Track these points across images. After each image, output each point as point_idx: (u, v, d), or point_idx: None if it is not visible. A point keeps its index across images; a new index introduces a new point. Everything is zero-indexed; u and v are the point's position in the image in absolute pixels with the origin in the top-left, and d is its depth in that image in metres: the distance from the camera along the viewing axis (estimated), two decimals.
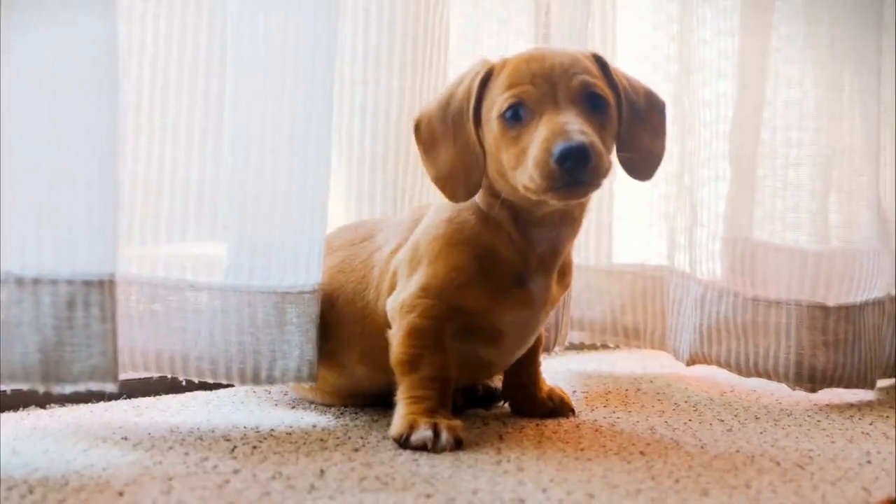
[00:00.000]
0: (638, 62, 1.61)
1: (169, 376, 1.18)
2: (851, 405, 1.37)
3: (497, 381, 1.31)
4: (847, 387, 1.41)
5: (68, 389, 0.99)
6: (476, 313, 1.12)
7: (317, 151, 1.16)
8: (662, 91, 1.55)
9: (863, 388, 1.43)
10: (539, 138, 1.02)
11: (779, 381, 1.41)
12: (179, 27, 1.17)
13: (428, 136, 1.13)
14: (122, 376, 1.26)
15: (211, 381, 1.17)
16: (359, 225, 1.30)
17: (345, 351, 1.19)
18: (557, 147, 0.99)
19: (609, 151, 1.07)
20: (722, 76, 1.47)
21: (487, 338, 1.14)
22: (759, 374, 1.42)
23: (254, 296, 1.15)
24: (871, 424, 1.25)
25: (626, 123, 1.11)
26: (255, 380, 1.16)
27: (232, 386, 1.30)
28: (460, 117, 1.10)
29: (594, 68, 1.09)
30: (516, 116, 1.05)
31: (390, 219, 1.27)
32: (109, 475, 0.93)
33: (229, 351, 1.15)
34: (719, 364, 1.45)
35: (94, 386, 0.99)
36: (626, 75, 1.15)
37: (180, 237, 1.18)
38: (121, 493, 0.88)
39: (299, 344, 1.16)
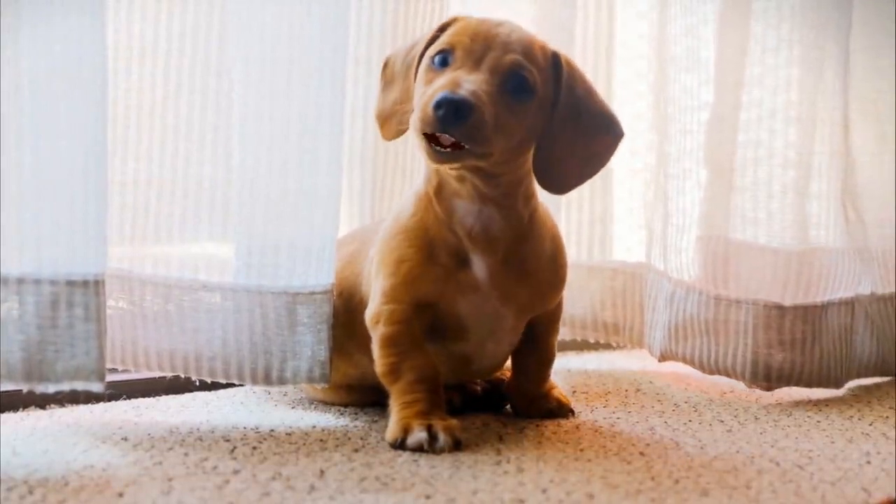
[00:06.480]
0: (634, 60, 1.61)
1: (174, 375, 1.18)
2: (851, 406, 1.37)
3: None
4: (807, 386, 1.42)
5: (52, 389, 0.99)
6: (433, 303, 1.11)
7: (329, 149, 1.16)
8: (651, 90, 1.57)
9: (826, 387, 1.43)
10: (435, 85, 1.03)
11: (736, 378, 1.42)
12: (192, 25, 1.17)
13: (389, 73, 1.16)
14: (125, 376, 1.27)
15: (224, 381, 1.18)
16: (378, 221, 1.30)
17: (348, 339, 1.19)
18: (439, 94, 1.00)
19: (510, 137, 1.05)
20: (701, 81, 1.47)
21: (453, 330, 1.14)
22: (719, 372, 1.43)
23: (265, 296, 1.16)
24: (870, 425, 1.25)
25: (556, 126, 1.09)
26: (267, 380, 1.17)
27: (233, 386, 1.30)
28: (413, 60, 1.12)
29: (541, 59, 1.09)
30: (443, 62, 1.06)
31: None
32: (109, 475, 0.93)
33: (241, 351, 1.16)
34: (685, 361, 1.46)
35: (80, 385, 0.99)
36: (589, 88, 1.13)
37: (193, 236, 1.19)
38: (121, 494, 0.88)
39: (310, 345, 1.16)
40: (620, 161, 1.62)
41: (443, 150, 1.02)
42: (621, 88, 1.61)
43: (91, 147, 1.00)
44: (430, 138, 1.02)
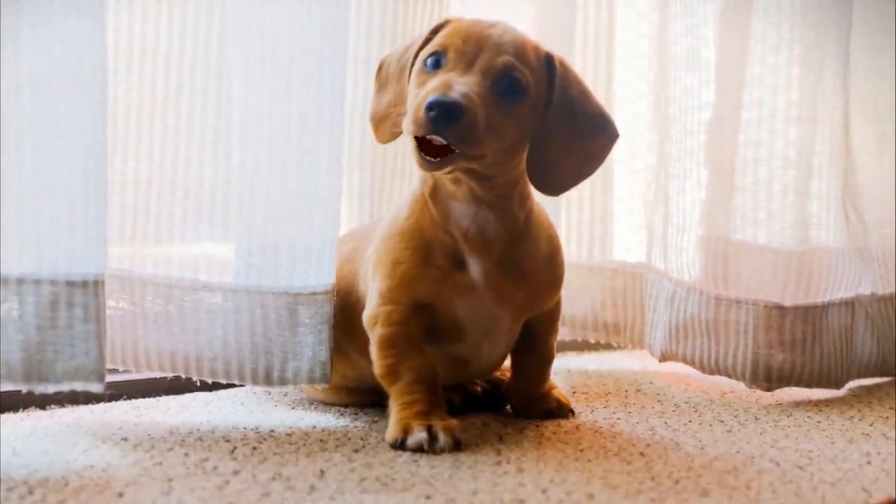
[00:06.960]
0: (634, 60, 1.61)
1: (174, 376, 1.18)
2: (851, 406, 1.37)
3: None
4: (808, 386, 1.42)
5: (51, 389, 0.99)
6: (430, 304, 1.12)
7: (329, 150, 1.16)
8: (652, 90, 1.57)
9: (826, 387, 1.44)
10: (427, 87, 1.03)
11: (737, 379, 1.43)
12: (192, 25, 1.17)
13: (384, 76, 1.16)
14: (125, 376, 1.27)
15: (224, 381, 1.18)
16: (376, 220, 1.30)
17: (346, 339, 1.19)
18: (431, 96, 1.00)
19: (503, 138, 1.05)
20: (701, 81, 1.47)
21: (449, 332, 1.14)
22: (720, 372, 1.44)
23: (265, 296, 1.16)
24: (871, 425, 1.25)
25: (550, 127, 1.09)
26: (268, 381, 1.17)
27: (233, 386, 1.30)
28: (406, 62, 1.12)
29: (534, 60, 1.08)
30: (436, 64, 1.06)
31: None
32: (109, 476, 0.93)
33: (242, 352, 1.16)
34: (685, 361, 1.47)
35: (79, 386, 1.00)
36: (583, 88, 1.13)
37: (193, 236, 1.19)
38: (121, 494, 0.88)
39: (311, 345, 1.16)
40: (621, 161, 1.62)
41: (433, 159, 1.02)
42: (621, 88, 1.61)
43: (91, 147, 1.00)
44: (422, 143, 1.02)
